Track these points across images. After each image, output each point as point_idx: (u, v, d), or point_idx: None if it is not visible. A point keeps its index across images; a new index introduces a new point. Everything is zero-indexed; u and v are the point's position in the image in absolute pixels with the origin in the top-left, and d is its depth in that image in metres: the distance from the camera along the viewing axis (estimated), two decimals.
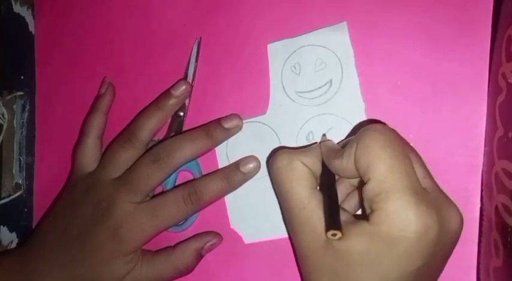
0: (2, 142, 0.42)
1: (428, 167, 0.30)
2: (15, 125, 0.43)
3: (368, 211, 0.27)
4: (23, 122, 0.43)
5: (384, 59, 0.36)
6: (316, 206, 0.28)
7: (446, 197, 0.28)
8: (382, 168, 0.26)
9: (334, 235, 0.26)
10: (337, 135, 0.36)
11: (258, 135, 0.38)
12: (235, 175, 0.36)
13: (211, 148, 0.37)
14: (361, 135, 0.28)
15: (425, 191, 0.27)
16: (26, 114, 0.44)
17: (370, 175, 0.26)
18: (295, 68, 0.37)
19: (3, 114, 0.42)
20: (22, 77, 0.44)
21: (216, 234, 0.37)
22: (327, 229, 0.27)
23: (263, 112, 0.38)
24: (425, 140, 0.35)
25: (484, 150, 0.33)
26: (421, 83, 0.35)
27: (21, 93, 0.43)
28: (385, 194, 0.25)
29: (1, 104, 0.42)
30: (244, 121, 0.38)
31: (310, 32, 0.37)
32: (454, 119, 0.34)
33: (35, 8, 0.44)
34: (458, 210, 0.28)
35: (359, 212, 0.34)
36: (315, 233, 0.28)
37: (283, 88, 0.37)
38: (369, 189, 0.26)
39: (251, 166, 0.36)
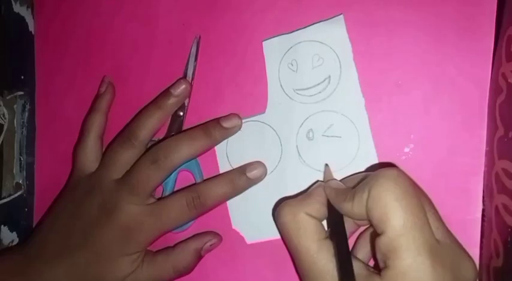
0: (2, 141, 0.42)
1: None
2: (15, 125, 0.43)
3: (381, 264, 0.26)
4: (23, 121, 0.44)
5: (383, 57, 0.35)
6: (327, 259, 0.28)
7: (460, 247, 0.27)
8: (396, 223, 0.25)
9: None
10: (338, 133, 0.36)
11: (258, 135, 0.37)
12: (240, 180, 0.36)
13: (210, 148, 0.37)
14: (374, 184, 0.27)
15: (439, 246, 0.26)
16: (27, 114, 0.44)
17: (384, 229, 0.26)
18: (292, 65, 0.37)
19: (3, 114, 0.42)
20: (22, 77, 0.44)
21: (216, 234, 0.37)
22: None
23: (263, 111, 0.38)
24: (426, 140, 0.34)
25: (485, 150, 0.33)
26: (422, 82, 0.35)
27: (22, 93, 0.43)
28: (399, 253, 0.25)
29: (2, 104, 0.42)
30: (244, 120, 0.37)
31: (306, 27, 0.37)
32: (455, 119, 0.34)
33: (34, 7, 0.44)
34: (472, 261, 0.27)
35: None
36: None
37: (281, 86, 0.37)
38: (383, 243, 0.26)
39: (257, 171, 0.36)
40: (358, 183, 0.28)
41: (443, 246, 0.26)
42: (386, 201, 0.26)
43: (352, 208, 0.28)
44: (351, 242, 0.32)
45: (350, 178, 0.32)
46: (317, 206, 0.30)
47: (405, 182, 0.26)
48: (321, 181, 0.35)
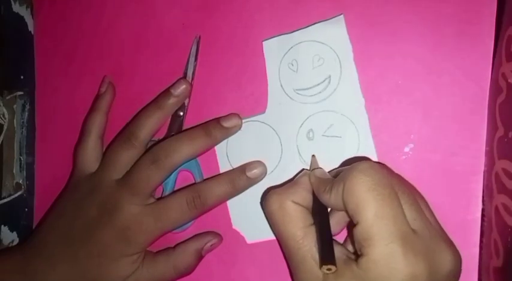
0: (2, 141, 0.42)
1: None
2: (15, 125, 0.43)
3: (359, 252, 0.27)
4: (23, 121, 0.43)
5: (384, 57, 0.35)
6: (311, 245, 0.29)
7: (441, 237, 0.28)
8: (368, 213, 0.26)
9: (329, 269, 0.27)
10: (338, 133, 0.36)
11: (258, 135, 0.38)
12: (240, 179, 0.36)
13: (210, 147, 0.37)
14: (347, 177, 0.27)
15: (414, 236, 0.26)
16: (26, 114, 0.44)
17: (358, 219, 0.26)
18: (292, 65, 0.37)
19: (3, 114, 0.42)
20: (22, 77, 0.44)
21: (216, 234, 0.37)
22: (321, 264, 0.27)
23: (263, 111, 0.38)
24: (426, 140, 0.34)
25: (485, 150, 0.33)
26: (422, 82, 0.35)
27: (21, 93, 0.43)
28: (372, 241, 0.26)
29: (1, 104, 0.42)
30: (244, 120, 0.37)
31: (307, 27, 0.37)
32: (455, 119, 0.34)
33: (34, 7, 0.44)
34: (451, 251, 0.27)
35: None
36: (311, 272, 0.28)
37: (281, 86, 0.37)
38: (358, 233, 0.26)
39: (257, 171, 0.36)
40: (337, 176, 0.29)
41: (420, 236, 0.26)
42: (358, 192, 0.27)
43: (330, 199, 0.29)
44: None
45: (334, 170, 0.33)
46: (303, 194, 0.31)
47: (377, 174, 0.27)
48: (306, 169, 0.35)
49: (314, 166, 0.34)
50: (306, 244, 0.29)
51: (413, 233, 0.26)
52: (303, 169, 0.36)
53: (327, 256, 0.27)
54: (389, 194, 0.27)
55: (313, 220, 0.30)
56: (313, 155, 0.36)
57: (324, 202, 0.30)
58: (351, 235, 0.29)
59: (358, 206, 0.26)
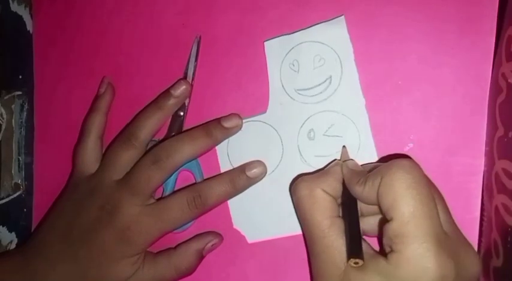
0: (0, 141, 0.41)
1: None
2: (14, 125, 0.43)
3: (387, 249, 0.27)
4: (21, 121, 0.43)
5: (384, 57, 0.36)
6: (337, 235, 0.29)
7: (466, 241, 0.28)
8: (406, 210, 0.26)
9: (356, 263, 0.27)
10: (339, 132, 0.36)
11: (259, 135, 0.38)
12: (240, 179, 0.36)
13: (211, 148, 0.37)
14: (387, 171, 0.27)
15: (446, 237, 0.27)
16: (25, 113, 0.43)
17: (393, 215, 0.26)
18: (293, 65, 0.37)
19: (1, 114, 0.42)
20: (20, 77, 0.43)
21: (217, 234, 0.37)
22: (349, 256, 0.27)
23: (264, 111, 0.38)
24: (426, 140, 0.35)
25: (485, 150, 0.34)
26: (423, 82, 0.35)
27: (20, 92, 0.43)
28: (407, 238, 0.26)
29: (0, 104, 0.42)
30: (245, 120, 0.37)
31: (308, 28, 0.37)
32: (455, 119, 0.34)
33: (32, 6, 0.44)
34: (476, 256, 0.28)
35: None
36: (333, 263, 0.28)
37: (283, 86, 0.37)
38: (391, 229, 0.26)
39: (257, 170, 0.36)
40: (372, 170, 0.29)
41: (450, 239, 0.27)
42: (397, 189, 0.26)
43: (363, 192, 0.29)
44: None
45: (367, 165, 0.33)
46: (333, 184, 0.31)
47: (417, 172, 0.27)
48: (338, 159, 0.35)
49: (345, 158, 0.34)
50: (332, 234, 0.29)
51: (445, 235, 0.27)
52: (335, 159, 0.35)
53: (355, 249, 0.27)
54: (427, 195, 0.27)
55: (342, 211, 0.30)
56: (344, 146, 0.35)
57: (354, 193, 0.30)
58: (380, 231, 0.28)
59: (395, 202, 0.26)
